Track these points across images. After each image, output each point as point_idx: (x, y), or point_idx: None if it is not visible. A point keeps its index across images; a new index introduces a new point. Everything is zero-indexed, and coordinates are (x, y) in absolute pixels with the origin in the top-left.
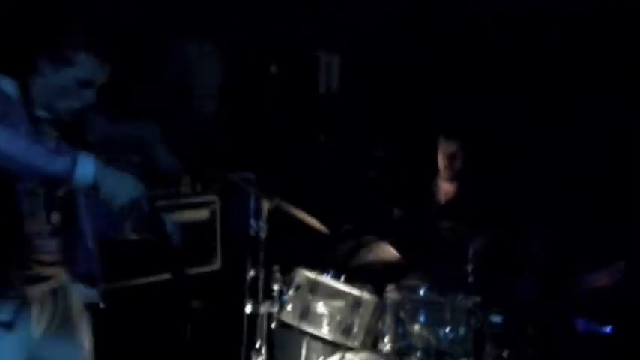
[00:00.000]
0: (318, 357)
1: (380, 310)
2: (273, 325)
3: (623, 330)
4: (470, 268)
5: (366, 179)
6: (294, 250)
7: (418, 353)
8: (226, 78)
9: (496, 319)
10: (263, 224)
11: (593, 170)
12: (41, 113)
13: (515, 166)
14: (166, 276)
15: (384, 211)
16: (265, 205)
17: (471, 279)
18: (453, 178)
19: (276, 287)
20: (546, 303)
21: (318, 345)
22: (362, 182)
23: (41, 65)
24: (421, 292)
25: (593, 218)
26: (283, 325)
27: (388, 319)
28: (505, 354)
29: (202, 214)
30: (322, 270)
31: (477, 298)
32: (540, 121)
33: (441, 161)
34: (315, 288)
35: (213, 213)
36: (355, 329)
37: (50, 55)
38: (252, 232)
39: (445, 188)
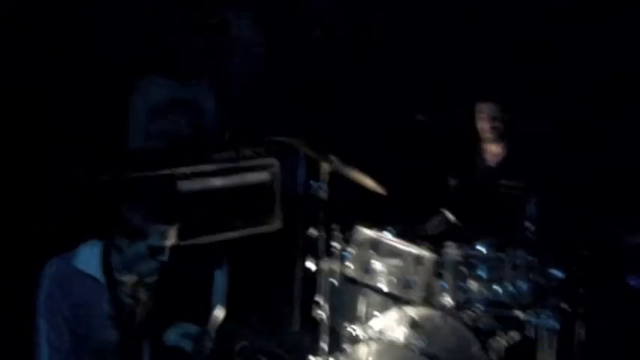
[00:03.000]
0: (378, 311)
1: (439, 266)
2: (335, 282)
3: None
4: (529, 224)
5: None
6: (353, 208)
7: (478, 306)
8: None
9: (557, 273)
10: (323, 185)
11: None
12: (123, 278)
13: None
14: None
15: (437, 178)
16: (324, 167)
17: (530, 234)
18: (497, 139)
19: (336, 245)
20: (600, 259)
21: (378, 300)
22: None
23: (118, 241)
24: (482, 249)
25: None
26: (345, 280)
27: (447, 275)
28: (566, 307)
29: (263, 176)
30: (381, 228)
31: (537, 254)
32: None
33: (483, 124)
34: (375, 246)
35: (273, 175)
36: (415, 285)
37: (123, 230)
38: (312, 192)
39: (492, 150)
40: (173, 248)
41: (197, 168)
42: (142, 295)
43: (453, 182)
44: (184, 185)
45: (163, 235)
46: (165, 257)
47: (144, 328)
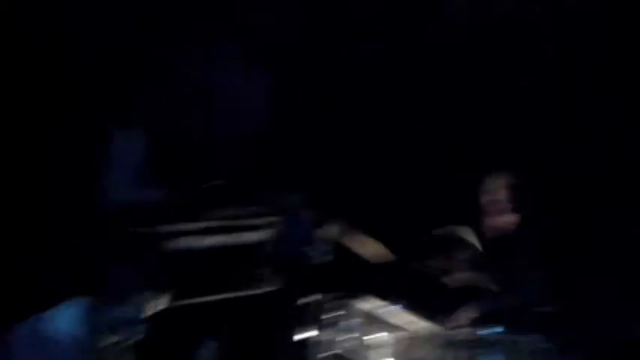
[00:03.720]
0: None
1: (448, 345)
2: (328, 354)
3: None
4: (546, 307)
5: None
6: (356, 277)
7: None
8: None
9: None
10: (325, 249)
11: None
12: (105, 339)
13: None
14: None
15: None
16: (327, 230)
17: (547, 317)
18: (501, 214)
19: (333, 315)
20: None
21: None
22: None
23: (103, 302)
24: (497, 329)
25: None
26: (338, 357)
27: (460, 356)
28: None
29: (261, 235)
30: (384, 300)
31: (555, 340)
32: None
33: (500, 195)
34: (379, 319)
35: (272, 234)
36: None
37: (111, 292)
38: (314, 257)
39: (493, 225)
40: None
41: (190, 226)
42: (125, 357)
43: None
44: (179, 243)
45: (154, 301)
46: (152, 322)
47: None
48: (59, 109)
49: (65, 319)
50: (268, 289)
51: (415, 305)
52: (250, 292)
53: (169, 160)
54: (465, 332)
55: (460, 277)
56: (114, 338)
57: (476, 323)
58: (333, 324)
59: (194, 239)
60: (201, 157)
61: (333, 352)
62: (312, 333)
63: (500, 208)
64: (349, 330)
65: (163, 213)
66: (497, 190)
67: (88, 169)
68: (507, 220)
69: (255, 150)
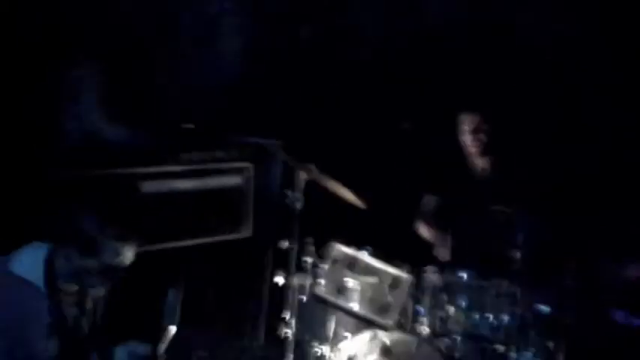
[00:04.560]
0: (347, 332)
1: (417, 290)
2: (304, 298)
3: None
4: (517, 254)
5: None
6: (329, 222)
7: (456, 337)
8: (252, 41)
9: (544, 309)
10: (299, 195)
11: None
12: (68, 287)
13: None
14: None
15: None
16: (302, 175)
17: (518, 266)
18: (482, 153)
19: (309, 260)
20: (585, 295)
21: (349, 321)
22: (395, 155)
23: (67, 249)
24: (464, 275)
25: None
26: (316, 299)
27: (426, 300)
28: (551, 345)
29: (235, 180)
30: (359, 246)
31: (523, 286)
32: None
33: (466, 137)
34: (351, 264)
35: (246, 180)
36: (390, 308)
37: (75, 240)
38: (287, 202)
39: (478, 164)
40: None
41: (162, 168)
42: (88, 305)
43: (434, 200)
44: (147, 187)
45: (120, 254)
46: (118, 276)
47: (89, 341)
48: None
49: (25, 264)
50: (244, 233)
51: (384, 251)
52: (224, 237)
53: (133, 99)
54: (432, 277)
55: (427, 227)
56: (76, 286)
57: (443, 269)
58: (306, 268)
59: (165, 183)
60: (170, 98)
61: (306, 295)
62: (288, 277)
63: (478, 149)
64: (321, 274)
65: (131, 154)
66: (475, 126)
67: (45, 106)
68: (485, 161)
69: (228, 95)
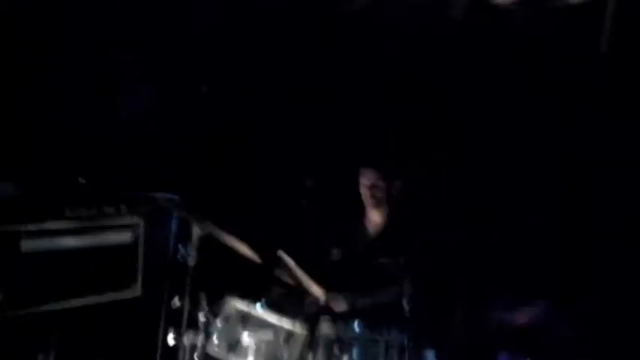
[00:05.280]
0: None
1: (312, 344)
2: (196, 358)
3: None
4: (405, 303)
5: (298, 209)
6: (223, 278)
7: None
8: (153, 100)
9: (429, 355)
10: (192, 250)
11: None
12: None
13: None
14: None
15: (319, 247)
16: (195, 230)
17: (406, 314)
18: (377, 206)
19: (202, 317)
20: (472, 339)
21: None
22: (295, 212)
23: None
24: (355, 327)
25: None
26: (208, 358)
27: (320, 354)
28: None
29: (124, 236)
30: (252, 300)
31: (411, 335)
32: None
33: (364, 190)
34: (244, 319)
35: (136, 236)
36: None
37: None
38: (179, 258)
39: (373, 218)
40: None
41: (46, 225)
42: None
43: (336, 253)
44: (27, 245)
45: None
46: None
47: None
48: None
49: None
50: (133, 292)
51: (278, 305)
52: (111, 297)
53: (17, 152)
54: (325, 330)
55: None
56: None
57: (336, 321)
58: (200, 326)
59: (47, 240)
60: (58, 149)
61: (199, 356)
62: (180, 335)
63: (376, 200)
64: (216, 331)
65: (14, 209)
66: (372, 182)
67: None
68: (379, 214)
69: (124, 148)
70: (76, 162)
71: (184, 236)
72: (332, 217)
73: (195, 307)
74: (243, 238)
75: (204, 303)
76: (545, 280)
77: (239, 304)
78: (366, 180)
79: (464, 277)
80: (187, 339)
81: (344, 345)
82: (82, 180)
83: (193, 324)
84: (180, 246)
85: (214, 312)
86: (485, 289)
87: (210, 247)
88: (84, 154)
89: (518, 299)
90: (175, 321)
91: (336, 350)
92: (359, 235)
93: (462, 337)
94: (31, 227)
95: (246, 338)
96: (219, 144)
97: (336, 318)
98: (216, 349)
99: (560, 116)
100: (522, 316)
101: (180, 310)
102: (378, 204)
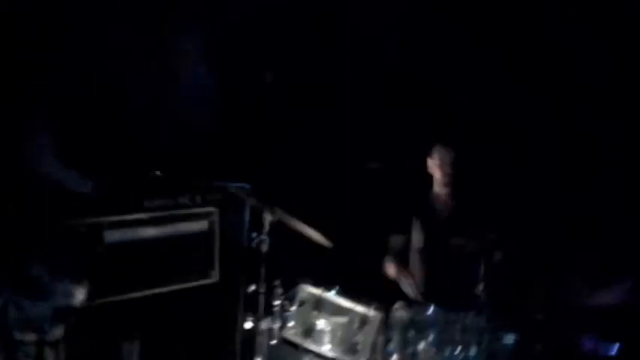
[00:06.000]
0: None
1: (386, 328)
2: (273, 342)
3: (630, 350)
4: (481, 287)
5: (364, 190)
6: (297, 264)
7: None
8: (219, 87)
9: (508, 339)
10: (264, 237)
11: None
12: (23, 337)
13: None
14: None
15: (388, 228)
16: (267, 217)
17: (482, 298)
18: (447, 186)
19: (277, 303)
20: (554, 323)
21: None
22: (361, 194)
23: (18, 297)
24: (430, 311)
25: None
26: (285, 343)
27: (395, 338)
28: None
29: (201, 225)
30: (326, 286)
31: (489, 318)
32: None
33: (435, 170)
34: (319, 304)
35: (211, 224)
36: (360, 348)
37: (25, 287)
38: (253, 245)
39: (442, 198)
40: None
41: (126, 217)
42: (48, 355)
43: (401, 238)
44: (110, 236)
45: (71, 296)
46: (71, 319)
47: None
48: None
49: None
50: (213, 278)
51: (352, 290)
52: (191, 284)
53: (95, 146)
54: (400, 314)
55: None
56: (31, 335)
57: (410, 305)
58: (275, 311)
59: (128, 231)
60: (135, 145)
61: (276, 339)
62: (257, 321)
63: (448, 179)
64: (290, 317)
65: (93, 203)
66: (445, 160)
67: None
68: (449, 192)
69: (195, 140)
70: (152, 157)
71: (257, 223)
72: (400, 199)
73: (270, 293)
74: (312, 224)
75: (279, 289)
76: (633, 255)
77: (313, 290)
78: (438, 159)
79: (544, 254)
80: (264, 324)
81: (419, 327)
82: (158, 173)
83: (269, 309)
84: (254, 233)
85: (289, 297)
86: (566, 265)
87: (282, 233)
88: (158, 150)
89: (603, 277)
90: (252, 306)
91: (411, 334)
92: (429, 216)
93: (543, 320)
94: (113, 219)
95: (322, 323)
96: (285, 132)
97: (410, 302)
98: (292, 333)
99: None
100: (609, 296)
101: (256, 295)
102: (448, 183)
